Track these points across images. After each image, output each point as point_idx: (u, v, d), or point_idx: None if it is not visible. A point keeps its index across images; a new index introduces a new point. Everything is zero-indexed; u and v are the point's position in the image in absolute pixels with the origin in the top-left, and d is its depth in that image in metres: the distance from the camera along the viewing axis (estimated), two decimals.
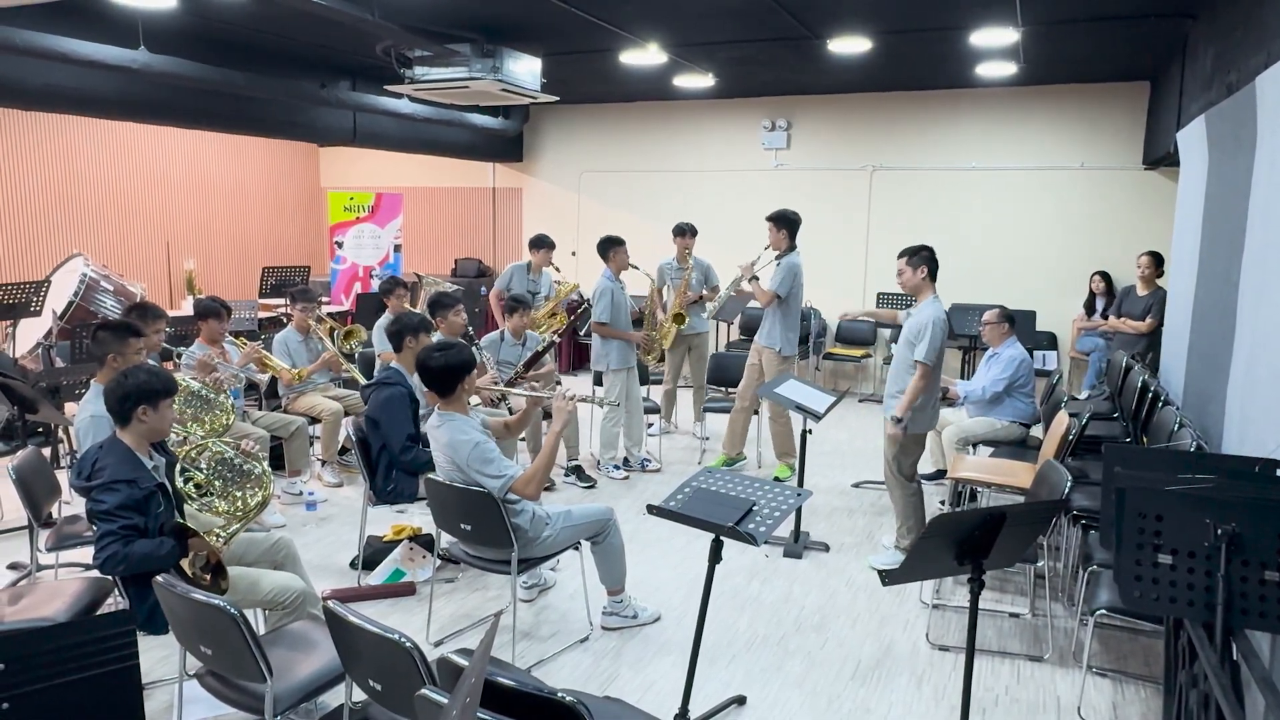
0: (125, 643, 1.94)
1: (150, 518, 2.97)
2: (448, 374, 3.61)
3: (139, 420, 3.06)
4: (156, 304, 5.25)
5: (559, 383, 7.42)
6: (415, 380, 4.70)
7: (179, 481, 3.19)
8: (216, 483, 3.29)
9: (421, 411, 4.57)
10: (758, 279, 5.95)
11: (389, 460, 4.40)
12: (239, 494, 3.31)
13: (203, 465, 3.33)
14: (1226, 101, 4.27)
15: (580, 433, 6.36)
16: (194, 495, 3.22)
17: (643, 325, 6.71)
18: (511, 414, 5.60)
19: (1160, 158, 7.30)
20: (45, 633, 1.93)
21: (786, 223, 5.99)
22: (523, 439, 5.77)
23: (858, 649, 3.91)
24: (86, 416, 3.82)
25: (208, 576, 2.89)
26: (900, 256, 4.69)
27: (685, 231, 6.95)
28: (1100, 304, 7.93)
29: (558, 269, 7.42)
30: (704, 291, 6.95)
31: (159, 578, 2.57)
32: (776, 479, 6.05)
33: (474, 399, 4.75)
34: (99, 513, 2.91)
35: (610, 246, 6.29)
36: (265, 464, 3.49)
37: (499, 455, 3.60)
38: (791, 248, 6.00)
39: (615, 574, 4.01)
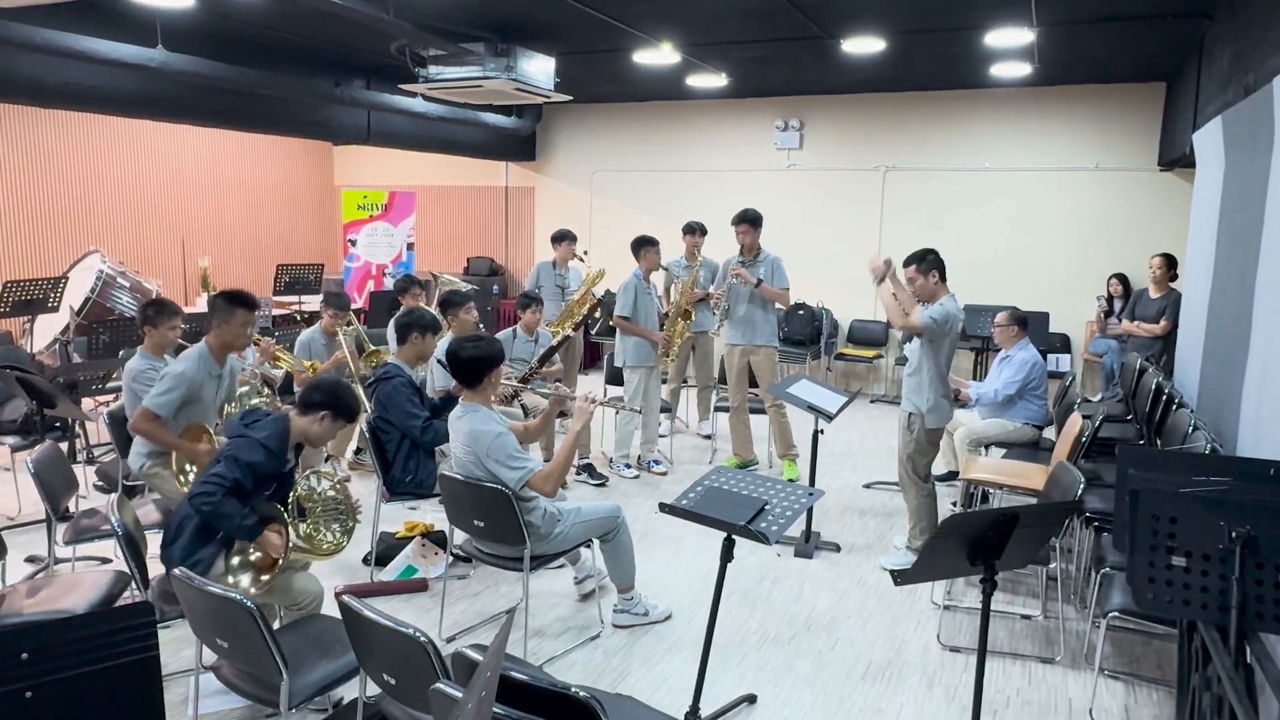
0: (146, 634, 1.96)
1: (256, 494, 3.10)
2: (477, 365, 3.65)
3: (316, 419, 3.24)
4: (172, 300, 5.29)
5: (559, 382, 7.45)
6: (421, 374, 4.77)
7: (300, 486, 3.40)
8: (319, 508, 3.43)
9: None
10: (762, 281, 5.98)
11: (408, 450, 4.44)
12: (322, 528, 3.45)
13: (315, 487, 3.47)
14: (1244, 102, 4.25)
15: (592, 431, 6.38)
16: (290, 508, 3.32)
17: (663, 327, 6.70)
18: (526, 412, 5.64)
19: (1176, 159, 7.26)
20: (67, 623, 1.95)
21: (760, 222, 6.08)
22: None
23: (869, 649, 3.91)
24: (178, 370, 4.04)
25: (262, 577, 3.01)
26: (907, 265, 4.60)
27: (694, 230, 6.91)
28: (1118, 307, 7.89)
29: (581, 259, 7.45)
30: (711, 290, 6.96)
31: (178, 570, 2.61)
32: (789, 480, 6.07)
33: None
34: (227, 455, 3.06)
35: (642, 246, 6.34)
36: (355, 522, 3.57)
37: (520, 449, 3.64)
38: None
39: (625, 572, 4.02)
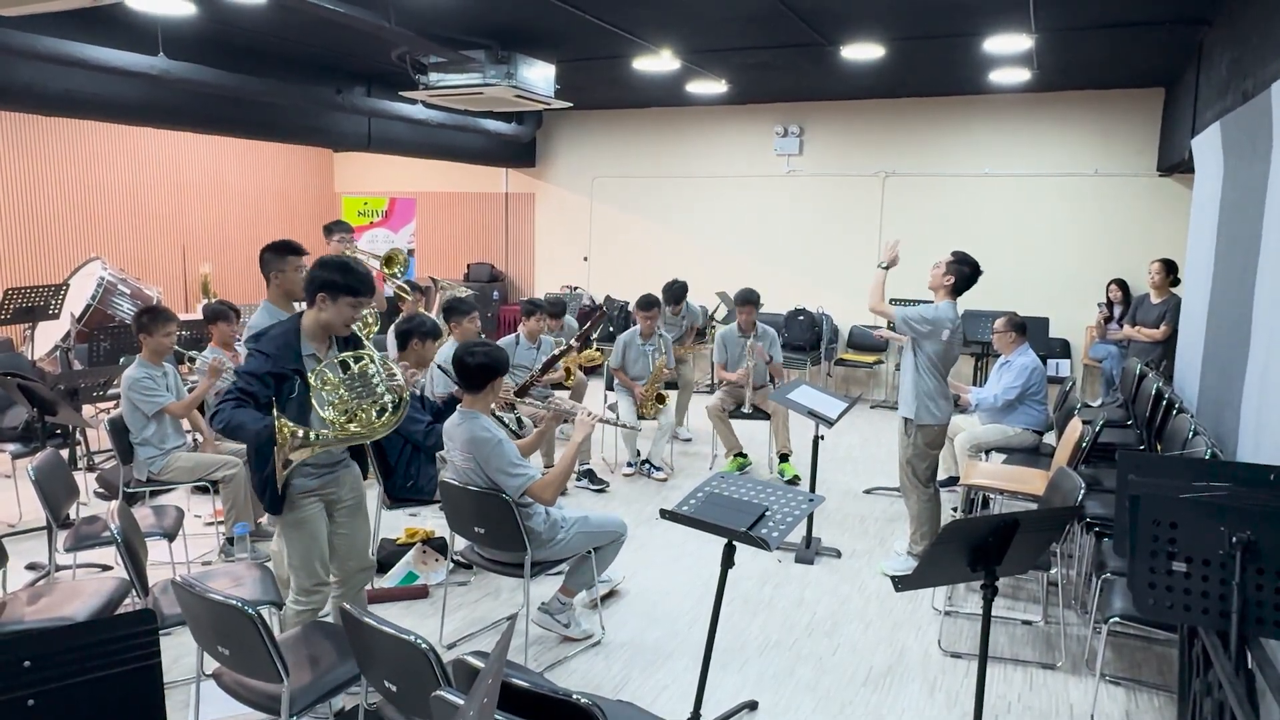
0: (148, 641, 1.96)
1: (283, 400, 3.05)
2: (483, 372, 3.66)
3: (319, 305, 3.15)
4: (167, 307, 5.30)
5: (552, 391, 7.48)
6: (421, 380, 4.77)
7: (310, 376, 3.14)
8: (342, 390, 3.17)
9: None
10: (772, 359, 6.45)
11: (409, 456, 4.44)
12: (348, 411, 3.17)
13: (351, 367, 3.21)
14: (1242, 108, 4.26)
15: (593, 437, 6.39)
16: (318, 387, 3.14)
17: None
18: (521, 424, 5.65)
19: (1175, 164, 7.27)
20: (70, 631, 1.95)
21: (759, 303, 6.55)
22: None
23: (870, 655, 3.91)
24: (250, 324, 4.08)
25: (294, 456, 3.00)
26: (951, 254, 4.65)
27: (651, 305, 6.41)
28: (1118, 312, 7.89)
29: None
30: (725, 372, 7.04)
31: (178, 577, 2.61)
32: (795, 479, 6.11)
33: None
34: (237, 370, 3.09)
35: (636, 309, 6.51)
36: (401, 401, 3.23)
37: (519, 456, 3.63)
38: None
39: (584, 579, 3.96)
